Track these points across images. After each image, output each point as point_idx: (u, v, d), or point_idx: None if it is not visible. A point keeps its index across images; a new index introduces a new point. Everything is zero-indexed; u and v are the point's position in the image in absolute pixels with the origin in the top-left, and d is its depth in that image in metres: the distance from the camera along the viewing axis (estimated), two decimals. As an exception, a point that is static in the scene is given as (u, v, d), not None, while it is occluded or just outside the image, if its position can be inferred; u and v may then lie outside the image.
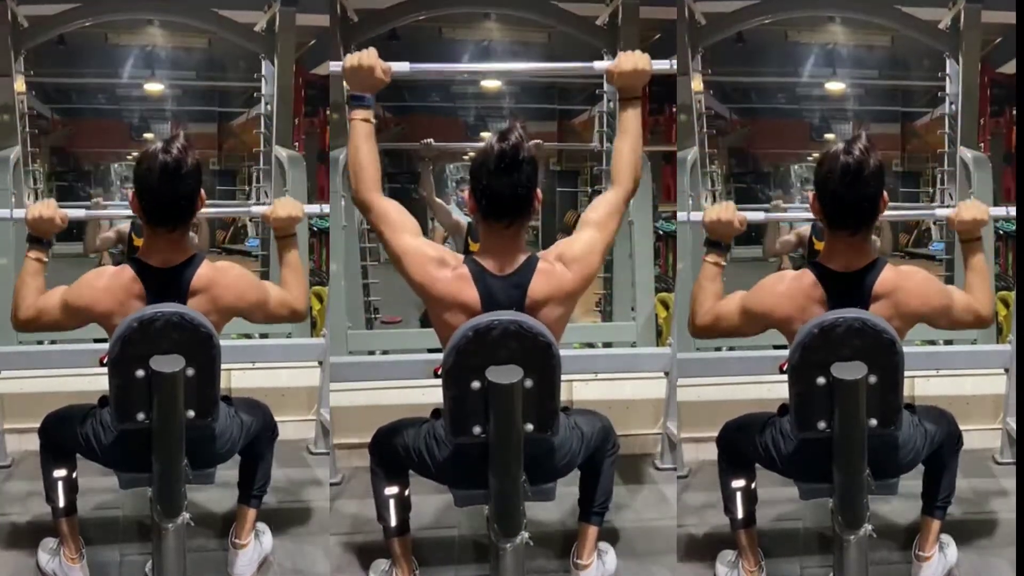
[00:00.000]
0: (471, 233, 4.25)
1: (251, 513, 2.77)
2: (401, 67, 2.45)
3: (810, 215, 2.50)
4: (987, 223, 2.56)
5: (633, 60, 2.43)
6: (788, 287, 2.38)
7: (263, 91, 4.14)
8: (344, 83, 2.44)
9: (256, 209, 2.71)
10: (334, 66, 2.45)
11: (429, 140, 4.19)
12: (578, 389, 3.49)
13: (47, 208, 2.51)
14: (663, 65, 2.50)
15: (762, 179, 4.77)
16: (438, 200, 4.43)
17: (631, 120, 2.46)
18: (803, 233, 4.35)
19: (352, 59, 2.38)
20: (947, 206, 3.88)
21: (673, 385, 3.35)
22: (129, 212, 2.53)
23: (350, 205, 3.70)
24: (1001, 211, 2.91)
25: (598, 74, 2.55)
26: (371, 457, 2.59)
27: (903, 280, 2.36)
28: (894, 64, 4.65)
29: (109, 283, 2.39)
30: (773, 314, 2.39)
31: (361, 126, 2.38)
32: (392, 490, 2.54)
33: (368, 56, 2.38)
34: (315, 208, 3.24)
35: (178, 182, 2.34)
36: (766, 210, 3.01)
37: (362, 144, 2.38)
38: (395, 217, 2.36)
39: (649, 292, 3.82)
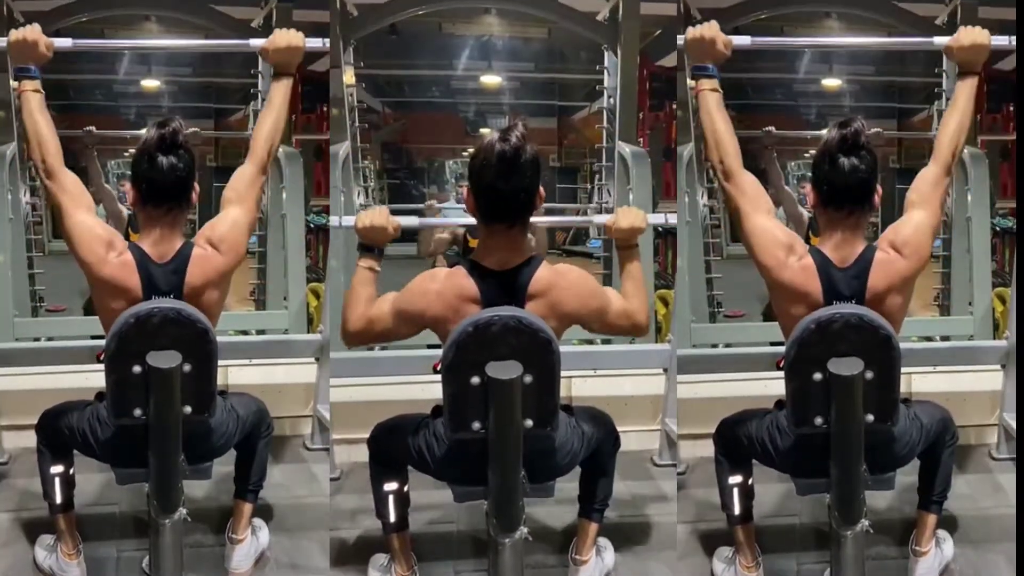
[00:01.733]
0: (470, 232, 4.24)
1: (248, 508, 2.77)
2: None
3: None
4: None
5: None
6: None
7: (260, 87, 4.13)
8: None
9: (255, 42, 2.64)
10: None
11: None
12: (577, 386, 3.50)
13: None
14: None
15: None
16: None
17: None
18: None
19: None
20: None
21: (673, 381, 3.35)
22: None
23: (351, 201, 3.70)
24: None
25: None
26: (369, 453, 2.59)
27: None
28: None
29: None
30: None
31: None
32: (391, 486, 2.54)
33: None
34: (318, 42, 2.81)
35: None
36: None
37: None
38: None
39: (648, 289, 3.82)
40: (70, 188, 2.41)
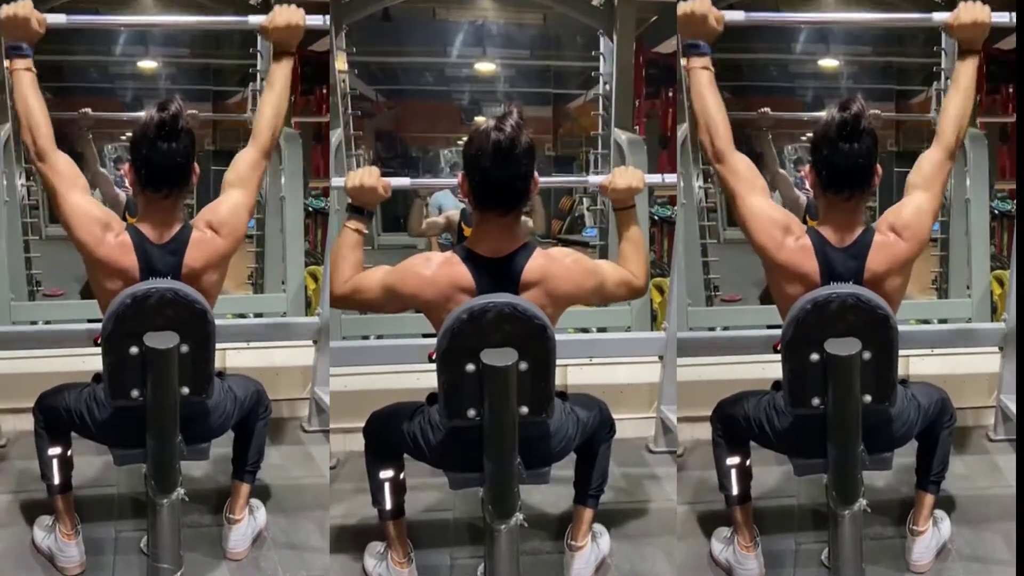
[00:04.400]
0: (464, 218, 4.24)
1: (245, 488, 2.77)
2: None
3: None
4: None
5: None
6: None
7: (259, 67, 4.11)
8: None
9: (253, 19, 2.59)
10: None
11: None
12: (572, 373, 3.50)
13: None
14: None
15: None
16: (428, 221, 4.34)
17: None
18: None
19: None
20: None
21: (671, 368, 3.35)
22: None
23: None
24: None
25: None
26: (366, 441, 2.58)
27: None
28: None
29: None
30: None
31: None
32: (387, 474, 2.54)
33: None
34: (319, 19, 2.75)
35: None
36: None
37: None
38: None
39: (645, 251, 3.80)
40: (63, 170, 2.39)
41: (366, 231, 2.43)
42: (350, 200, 2.42)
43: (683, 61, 2.47)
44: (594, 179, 2.74)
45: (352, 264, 2.38)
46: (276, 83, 2.55)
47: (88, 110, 4.03)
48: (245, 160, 2.51)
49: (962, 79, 2.46)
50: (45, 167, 2.39)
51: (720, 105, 2.41)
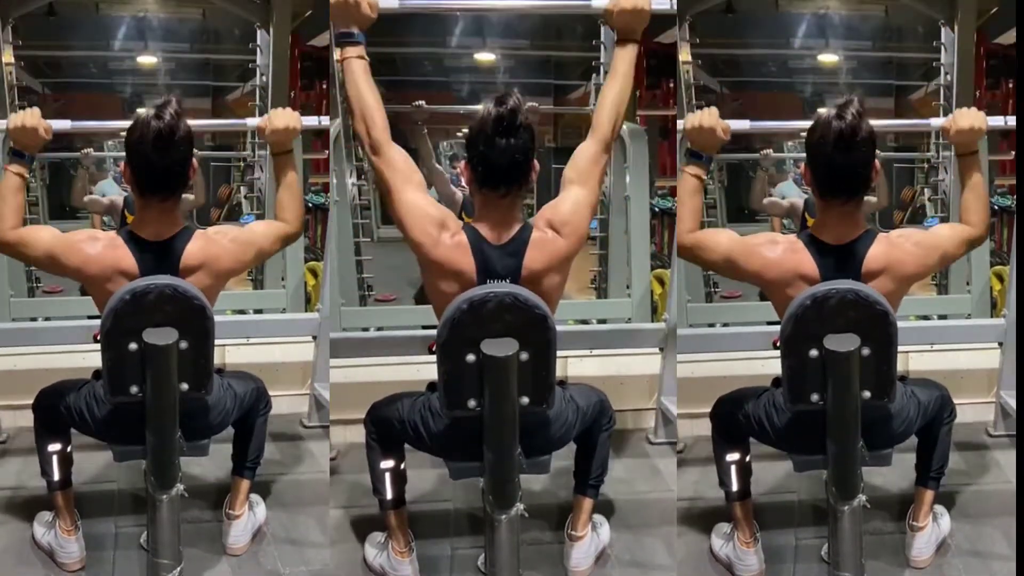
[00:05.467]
0: (465, 208, 4.23)
1: (245, 484, 2.78)
2: (389, 2, 2.40)
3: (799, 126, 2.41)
4: (984, 133, 2.51)
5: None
6: (780, 256, 2.36)
7: (258, 62, 4.12)
8: (330, 21, 2.36)
9: (251, 121, 2.63)
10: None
11: (421, 102, 4.09)
12: (573, 365, 3.50)
13: (31, 117, 2.40)
14: (663, 5, 2.44)
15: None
16: (439, 167, 4.35)
17: (624, 62, 2.41)
18: (796, 204, 4.32)
19: None
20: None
21: (671, 360, 3.35)
22: (117, 126, 2.45)
23: (342, 182, 3.68)
24: (999, 121, 2.78)
25: (595, 12, 2.48)
26: (366, 431, 2.59)
27: (896, 251, 2.35)
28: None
29: (101, 252, 2.36)
30: (760, 277, 2.38)
31: (358, 63, 2.32)
32: (388, 463, 2.55)
33: None
34: (313, 120, 2.99)
35: (171, 149, 2.31)
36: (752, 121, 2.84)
37: (364, 83, 2.31)
38: (403, 167, 2.31)
39: (645, 269, 3.81)
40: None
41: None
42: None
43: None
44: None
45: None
46: (287, 179, 2.59)
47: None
48: (585, 154, 2.41)
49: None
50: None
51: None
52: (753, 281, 2.44)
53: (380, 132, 2.31)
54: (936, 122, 2.66)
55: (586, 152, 2.40)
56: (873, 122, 2.32)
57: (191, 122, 2.38)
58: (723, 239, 2.43)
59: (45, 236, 2.40)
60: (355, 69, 2.31)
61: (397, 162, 2.32)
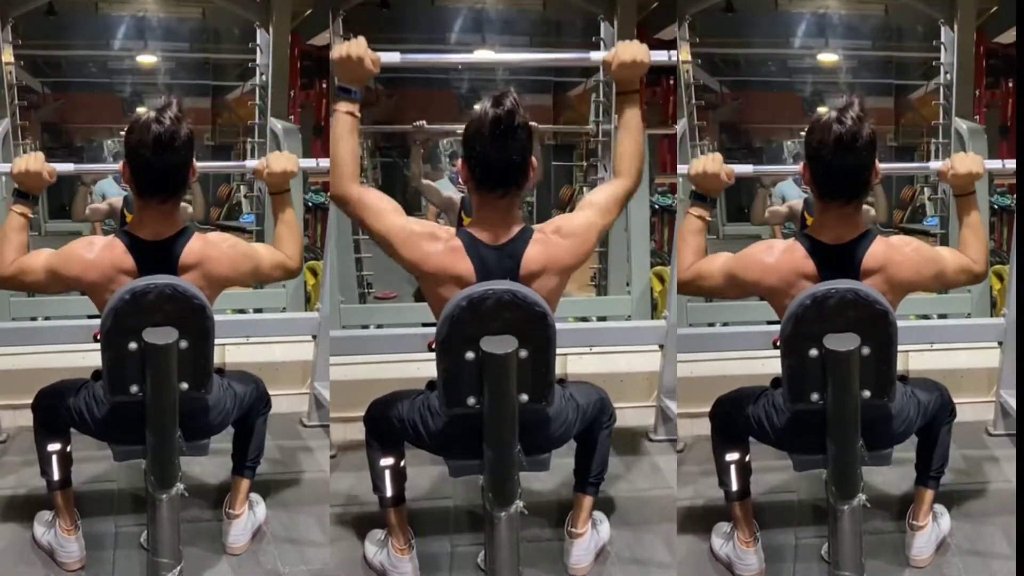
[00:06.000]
0: (464, 207, 4.24)
1: (245, 484, 2.78)
2: (391, 57, 2.41)
3: (798, 170, 2.45)
4: (982, 176, 2.53)
5: (632, 51, 2.38)
6: (777, 259, 2.36)
7: (258, 61, 4.11)
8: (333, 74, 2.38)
9: (250, 163, 2.68)
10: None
11: (421, 122, 4.13)
12: (572, 362, 3.50)
13: (34, 161, 2.46)
14: (662, 57, 2.46)
15: (754, 154, 4.73)
16: (426, 182, 4.38)
17: (631, 116, 2.42)
18: (795, 206, 4.33)
19: (341, 50, 2.31)
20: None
21: (671, 357, 3.35)
22: (116, 168, 2.49)
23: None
24: (997, 164, 2.84)
25: (594, 65, 2.52)
26: (366, 429, 2.59)
27: (894, 253, 2.35)
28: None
29: (99, 256, 2.37)
30: (760, 284, 2.38)
31: (345, 119, 2.32)
32: (387, 461, 2.54)
33: (357, 46, 2.30)
34: (311, 162, 3.12)
35: (171, 152, 2.31)
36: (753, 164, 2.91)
37: (344, 137, 2.32)
38: (374, 202, 2.33)
39: (644, 266, 3.82)
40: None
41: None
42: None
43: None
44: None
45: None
46: (288, 220, 2.62)
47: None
48: (274, 256, 2.59)
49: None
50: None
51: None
52: (756, 290, 2.42)
53: (346, 184, 2.31)
54: (935, 165, 2.69)
55: (611, 192, 2.43)
56: (883, 166, 2.38)
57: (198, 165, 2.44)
58: (720, 259, 2.45)
59: (41, 256, 2.43)
60: (341, 123, 2.33)
61: (367, 201, 2.33)
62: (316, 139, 4.08)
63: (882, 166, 2.39)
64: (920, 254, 2.39)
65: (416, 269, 2.31)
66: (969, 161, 2.52)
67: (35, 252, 2.46)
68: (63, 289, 2.46)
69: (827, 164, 2.28)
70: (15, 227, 2.45)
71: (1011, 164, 2.87)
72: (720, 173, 2.47)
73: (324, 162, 3.05)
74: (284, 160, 2.65)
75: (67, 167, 2.75)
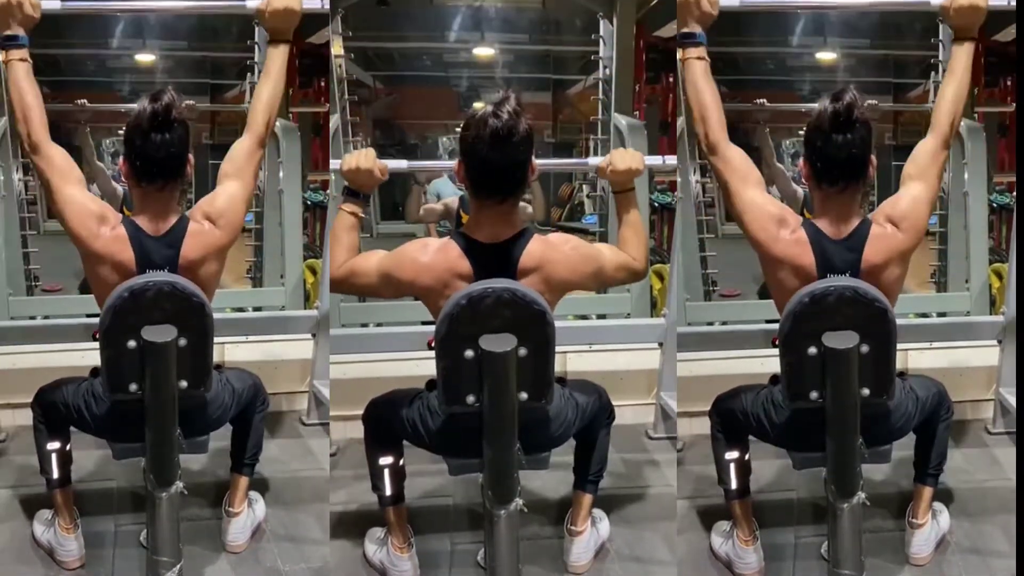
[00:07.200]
0: (463, 205, 4.24)
1: (244, 481, 2.78)
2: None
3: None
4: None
5: (626, 159, 2.45)
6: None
7: (256, 59, 4.09)
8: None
9: (592, 161, 2.60)
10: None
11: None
12: (572, 360, 3.50)
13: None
14: (656, 161, 2.58)
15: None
16: (425, 207, 4.33)
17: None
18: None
19: (350, 162, 2.37)
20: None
21: (671, 355, 3.35)
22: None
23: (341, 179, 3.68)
24: (657, 160, 2.80)
25: (590, 170, 2.52)
26: (365, 428, 2.59)
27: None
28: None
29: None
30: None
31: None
32: (387, 460, 2.54)
33: (366, 158, 2.36)
34: (657, 159, 2.88)
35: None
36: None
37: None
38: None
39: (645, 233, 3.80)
40: (58, 163, 2.36)
41: (362, 215, 2.44)
42: (346, 183, 2.42)
43: (679, 52, 2.46)
44: (593, 160, 2.72)
45: (347, 247, 2.39)
46: (272, 70, 2.53)
47: (85, 102, 3.95)
48: (240, 150, 2.49)
49: (958, 66, 2.43)
50: (39, 159, 2.35)
51: (715, 96, 2.40)
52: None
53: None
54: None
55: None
56: (541, 162, 2.36)
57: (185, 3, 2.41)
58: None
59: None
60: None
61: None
62: (663, 136, 3.96)
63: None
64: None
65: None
66: (629, 157, 2.48)
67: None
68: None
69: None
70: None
71: (671, 160, 2.87)
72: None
73: (671, 159, 2.95)
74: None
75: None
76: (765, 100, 3.99)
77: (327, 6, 2.68)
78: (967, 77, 2.44)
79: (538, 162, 2.34)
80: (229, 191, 2.44)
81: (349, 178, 2.41)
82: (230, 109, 4.38)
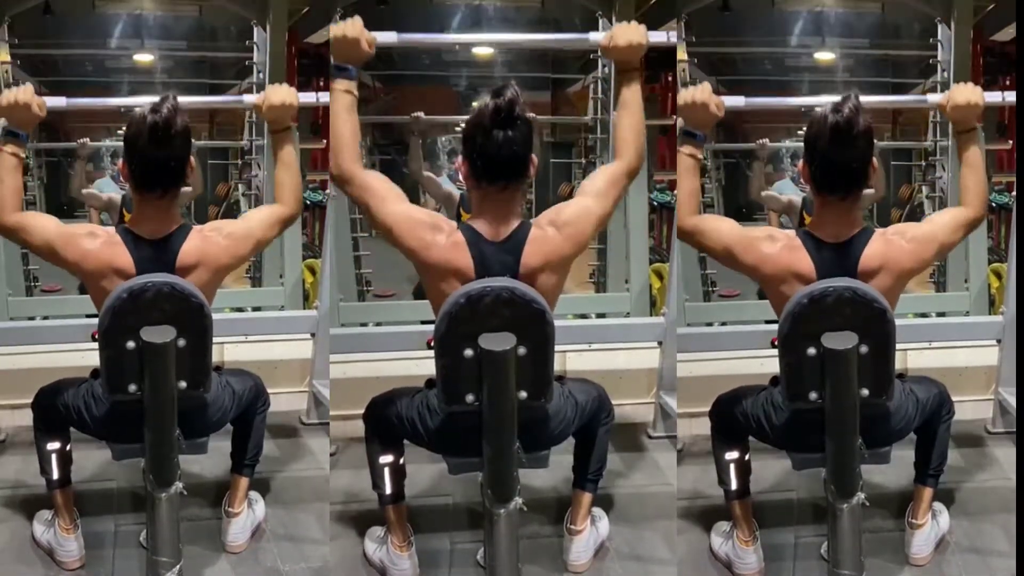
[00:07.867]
0: (463, 204, 4.24)
1: (244, 482, 2.78)
2: (387, 37, 2.41)
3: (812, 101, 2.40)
4: (982, 108, 2.46)
5: (628, 33, 2.37)
6: (779, 252, 2.35)
7: (255, 60, 4.11)
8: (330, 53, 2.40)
9: (248, 98, 2.59)
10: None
11: (419, 113, 4.13)
12: (571, 359, 3.50)
13: (23, 93, 2.35)
14: (660, 37, 2.43)
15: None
16: (427, 174, 4.37)
17: (630, 94, 2.40)
18: (795, 201, 4.32)
19: (337, 29, 2.33)
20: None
21: (670, 354, 3.35)
22: (115, 101, 2.43)
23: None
24: (997, 96, 2.74)
25: (592, 47, 2.47)
26: (366, 427, 2.59)
27: (891, 249, 2.34)
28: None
29: (100, 250, 2.34)
30: (757, 271, 2.38)
31: (343, 97, 2.33)
32: (387, 459, 2.55)
33: (353, 26, 2.32)
34: (311, 97, 2.94)
35: (167, 143, 2.29)
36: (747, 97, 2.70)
37: (344, 115, 2.32)
38: (379, 186, 2.32)
39: (643, 263, 3.82)
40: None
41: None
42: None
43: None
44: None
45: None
46: (285, 158, 2.57)
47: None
48: (269, 217, 2.55)
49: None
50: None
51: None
52: (749, 274, 2.43)
53: (348, 164, 2.32)
54: (933, 98, 2.60)
55: (608, 173, 2.41)
56: (869, 98, 2.29)
57: (187, 99, 2.39)
58: (724, 228, 2.42)
59: (48, 226, 2.38)
60: (339, 101, 2.33)
61: (371, 184, 2.32)
62: (662, 136, 3.97)
63: (878, 99, 2.35)
64: (917, 241, 2.36)
65: (416, 258, 2.30)
66: (968, 92, 2.45)
67: (43, 216, 2.43)
68: (55, 263, 2.39)
69: (823, 155, 2.27)
70: (8, 168, 2.35)
71: (1011, 96, 2.77)
72: (709, 103, 2.38)
73: (324, 96, 2.90)
74: (283, 93, 2.56)
75: (58, 101, 2.55)
76: (767, 140, 4.11)
77: (321, 100, 2.73)
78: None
79: (879, 99, 2.28)
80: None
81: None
82: (229, 108, 4.38)
